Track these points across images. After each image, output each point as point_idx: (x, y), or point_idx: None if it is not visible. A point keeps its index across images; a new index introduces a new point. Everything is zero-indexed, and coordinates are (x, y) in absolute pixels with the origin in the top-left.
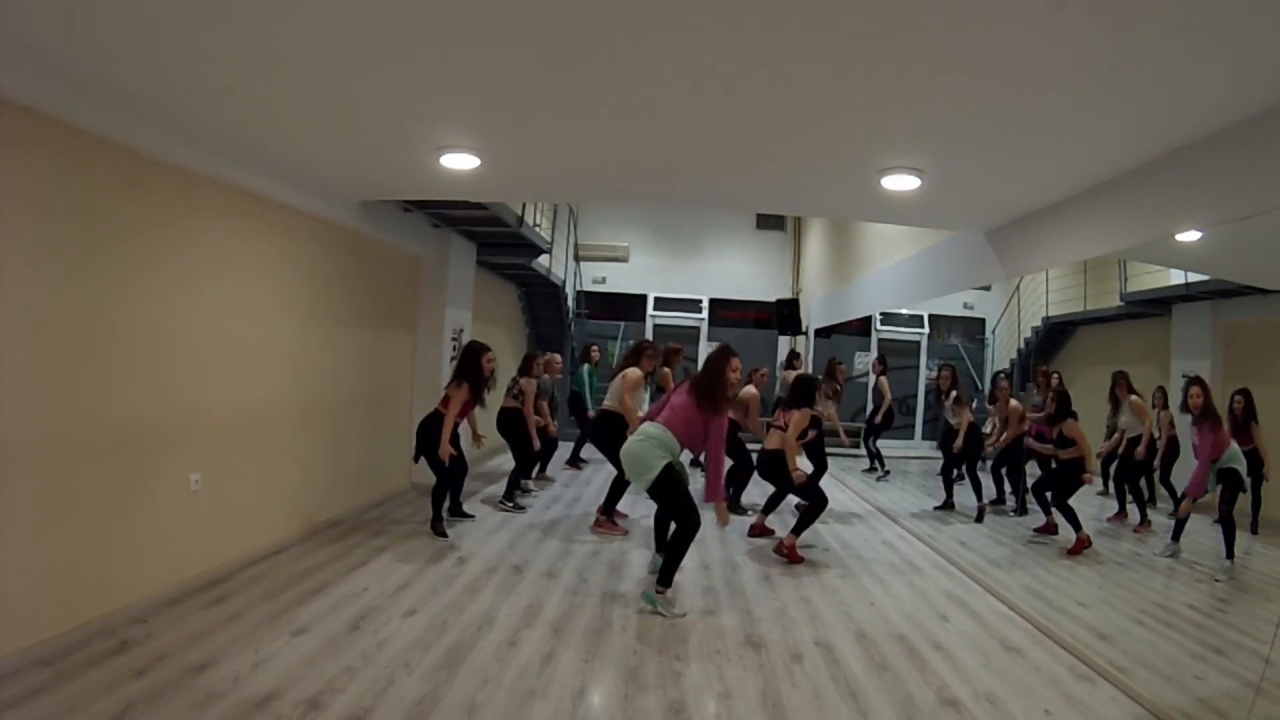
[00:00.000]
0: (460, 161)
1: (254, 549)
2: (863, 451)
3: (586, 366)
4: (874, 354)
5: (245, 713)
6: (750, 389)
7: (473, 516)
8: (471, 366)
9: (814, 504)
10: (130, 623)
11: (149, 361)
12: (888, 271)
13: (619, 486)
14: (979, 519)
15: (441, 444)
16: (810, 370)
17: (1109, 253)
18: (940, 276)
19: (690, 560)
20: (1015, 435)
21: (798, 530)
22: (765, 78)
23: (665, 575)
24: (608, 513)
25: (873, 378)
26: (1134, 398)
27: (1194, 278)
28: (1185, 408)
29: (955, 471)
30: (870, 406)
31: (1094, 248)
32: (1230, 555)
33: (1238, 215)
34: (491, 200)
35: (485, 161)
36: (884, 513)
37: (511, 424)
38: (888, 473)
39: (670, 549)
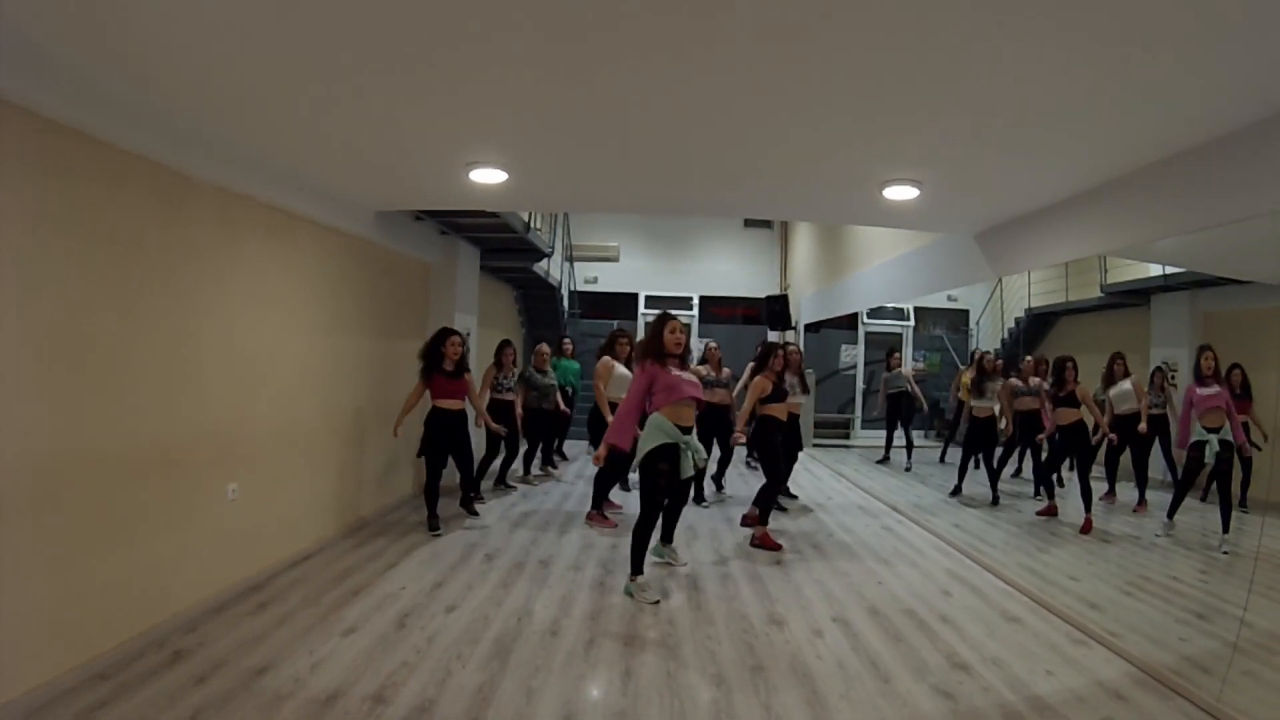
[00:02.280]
0: (488, 176)
1: (288, 554)
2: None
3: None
4: (860, 348)
5: (315, 712)
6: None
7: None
8: (430, 348)
9: (771, 484)
10: (179, 632)
11: (190, 380)
12: (879, 270)
13: (603, 480)
14: (994, 502)
15: (398, 418)
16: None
17: (1091, 255)
18: (931, 276)
19: (706, 551)
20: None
21: (763, 517)
22: (787, 120)
23: (633, 563)
24: (598, 506)
25: (888, 373)
26: (1134, 377)
27: (1171, 269)
28: (1197, 373)
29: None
30: (861, 400)
31: (1077, 250)
32: (1226, 529)
33: (1208, 224)
34: (510, 210)
35: (513, 176)
36: (881, 501)
37: (502, 416)
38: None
39: (632, 537)
